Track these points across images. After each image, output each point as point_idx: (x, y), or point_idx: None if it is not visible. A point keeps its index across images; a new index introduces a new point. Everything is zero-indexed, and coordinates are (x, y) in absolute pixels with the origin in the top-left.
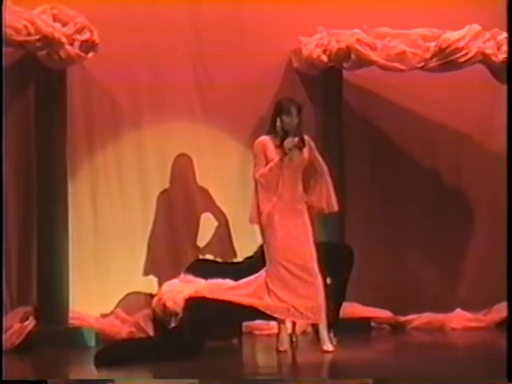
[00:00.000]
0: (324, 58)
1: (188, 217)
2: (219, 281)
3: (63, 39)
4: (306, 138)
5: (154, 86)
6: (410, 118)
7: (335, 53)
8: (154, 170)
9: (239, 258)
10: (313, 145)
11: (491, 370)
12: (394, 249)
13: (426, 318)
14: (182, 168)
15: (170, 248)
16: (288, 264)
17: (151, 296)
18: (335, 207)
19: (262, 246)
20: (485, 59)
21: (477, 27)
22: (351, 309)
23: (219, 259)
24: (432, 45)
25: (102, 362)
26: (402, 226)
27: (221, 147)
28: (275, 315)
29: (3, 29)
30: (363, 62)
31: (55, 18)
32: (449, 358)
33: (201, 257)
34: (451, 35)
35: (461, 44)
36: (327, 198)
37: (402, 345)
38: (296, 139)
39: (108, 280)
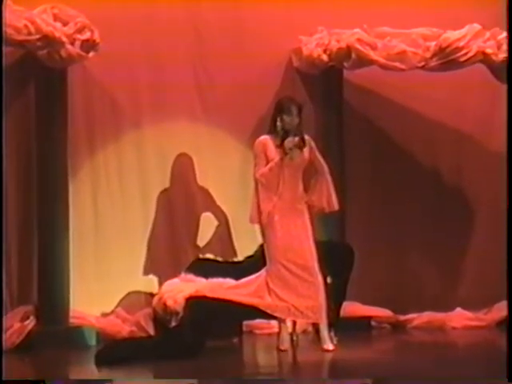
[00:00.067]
0: (324, 57)
1: (188, 216)
2: (220, 280)
3: (64, 39)
4: (306, 137)
5: (154, 85)
6: (410, 117)
7: (335, 52)
8: (154, 169)
9: (239, 258)
10: (313, 144)
11: (491, 370)
12: (394, 248)
13: (426, 317)
14: (183, 168)
15: (171, 247)
16: (288, 263)
17: (152, 295)
18: (336, 206)
19: (262, 246)
20: (485, 59)
21: (477, 27)
22: (352, 308)
23: (219, 258)
24: (432, 44)
25: (102, 361)
26: (403, 225)
27: (221, 147)
28: (276, 314)
29: (3, 28)
30: (364, 61)
31: (56, 18)
32: (449, 357)
33: (201, 256)
34: (451, 34)
35: (461, 43)
36: (328, 197)
37: (402, 344)
38: (296, 139)
39: (109, 279)
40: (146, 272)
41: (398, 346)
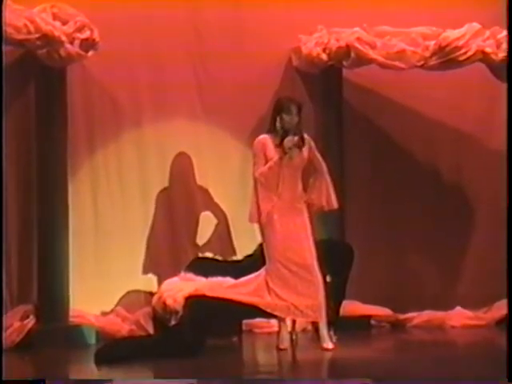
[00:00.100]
0: (324, 56)
1: (188, 215)
2: (219, 279)
3: (63, 38)
4: (305, 136)
5: (154, 85)
6: (409, 116)
7: (335, 51)
8: (154, 168)
9: (239, 257)
10: (312, 143)
11: (491, 369)
12: (394, 247)
13: (425, 316)
14: (182, 167)
15: (170, 246)
16: (288, 262)
17: (151, 294)
18: (335, 204)
19: (261, 245)
20: (485, 58)
21: (477, 26)
22: (351, 307)
23: (219, 257)
24: (432, 43)
25: (102, 360)
26: (402, 224)
27: (221, 146)
28: (275, 313)
29: (3, 27)
30: (363, 60)
31: (55, 17)
32: (449, 356)
33: (200, 255)
34: (451, 33)
35: (460, 42)
36: (327, 195)
37: (401, 343)
38: (296, 138)
39: (108, 278)
40: (146, 271)
41: (397, 344)
